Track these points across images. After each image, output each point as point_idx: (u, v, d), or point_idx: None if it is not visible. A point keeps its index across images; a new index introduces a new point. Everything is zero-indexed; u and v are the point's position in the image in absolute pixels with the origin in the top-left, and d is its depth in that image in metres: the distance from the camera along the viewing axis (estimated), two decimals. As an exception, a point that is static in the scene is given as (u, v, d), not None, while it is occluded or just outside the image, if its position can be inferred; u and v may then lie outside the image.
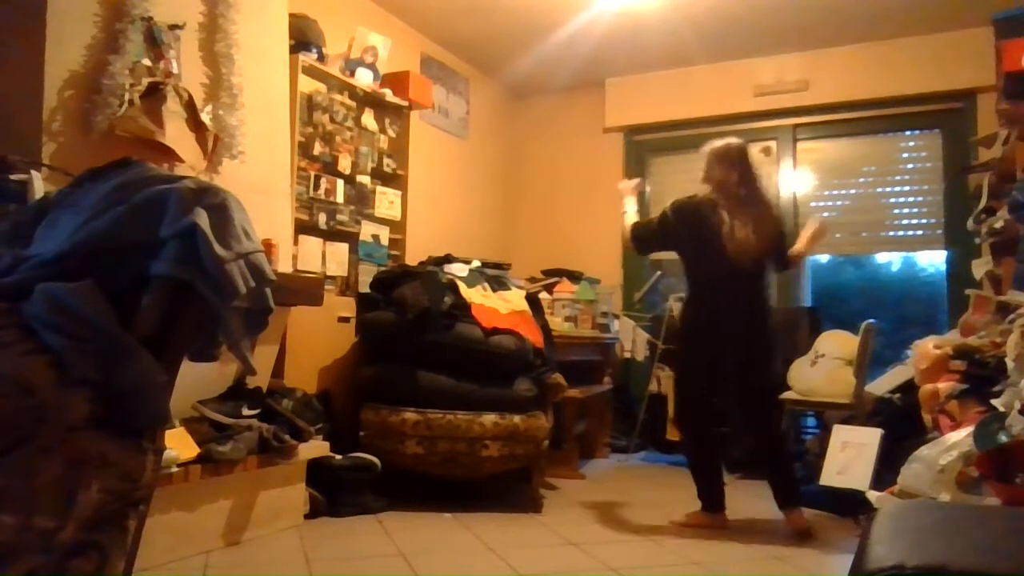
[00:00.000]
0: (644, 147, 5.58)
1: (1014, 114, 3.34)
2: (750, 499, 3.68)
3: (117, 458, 1.28)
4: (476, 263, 4.02)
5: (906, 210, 4.84)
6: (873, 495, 2.99)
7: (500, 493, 3.57)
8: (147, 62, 2.58)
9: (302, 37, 3.55)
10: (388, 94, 4.09)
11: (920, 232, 4.76)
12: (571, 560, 2.62)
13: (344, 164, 3.85)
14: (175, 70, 2.67)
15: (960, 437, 2.55)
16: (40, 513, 1.15)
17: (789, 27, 4.54)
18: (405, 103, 4.21)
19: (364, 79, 3.95)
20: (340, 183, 3.82)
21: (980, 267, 3.71)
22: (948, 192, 4.57)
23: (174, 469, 2.36)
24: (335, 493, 3.10)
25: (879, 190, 4.89)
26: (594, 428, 4.65)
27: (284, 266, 3.10)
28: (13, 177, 2.06)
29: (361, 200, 3.98)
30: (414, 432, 3.28)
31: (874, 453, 3.38)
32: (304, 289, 3.05)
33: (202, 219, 1.38)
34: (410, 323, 3.36)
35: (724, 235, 3.05)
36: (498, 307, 3.57)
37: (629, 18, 4.44)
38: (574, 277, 4.79)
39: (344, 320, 3.72)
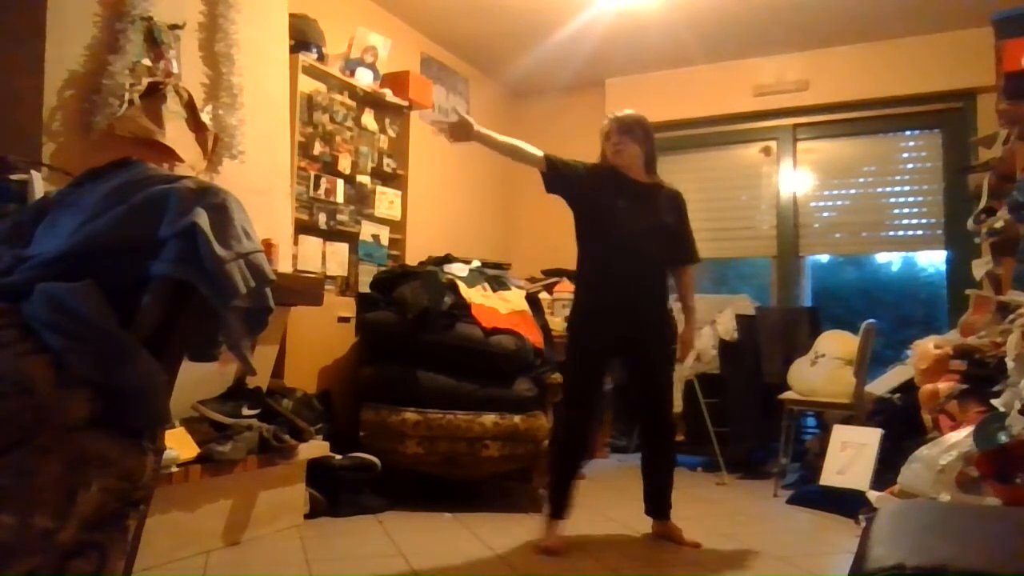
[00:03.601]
0: (644, 147, 5.57)
1: (1014, 114, 3.33)
2: (750, 499, 3.68)
3: (117, 458, 1.28)
4: (476, 263, 4.02)
5: (906, 210, 4.83)
6: (873, 495, 3.00)
7: (500, 493, 3.57)
8: (147, 62, 2.58)
9: (302, 37, 3.55)
10: (388, 94, 4.08)
11: (920, 232, 4.75)
12: (571, 560, 2.62)
13: (344, 164, 3.85)
14: (175, 70, 2.67)
15: (960, 437, 2.55)
16: (40, 513, 1.15)
17: (789, 27, 4.54)
18: (405, 103, 4.21)
19: (364, 79, 3.95)
20: (340, 183, 3.82)
21: (980, 267, 3.70)
22: (948, 192, 4.57)
23: (174, 469, 2.36)
24: (335, 493, 3.10)
25: (879, 190, 4.88)
26: (594, 428, 4.65)
27: (284, 266, 3.10)
28: (13, 177, 2.06)
29: (361, 200, 3.98)
30: (414, 432, 3.28)
31: (874, 453, 3.39)
32: (304, 289, 3.05)
33: (202, 219, 1.38)
34: (410, 323, 3.36)
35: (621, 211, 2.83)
36: (498, 307, 3.57)
37: (629, 18, 4.44)
38: (574, 277, 4.78)
39: (344, 320, 3.72)
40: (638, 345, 2.85)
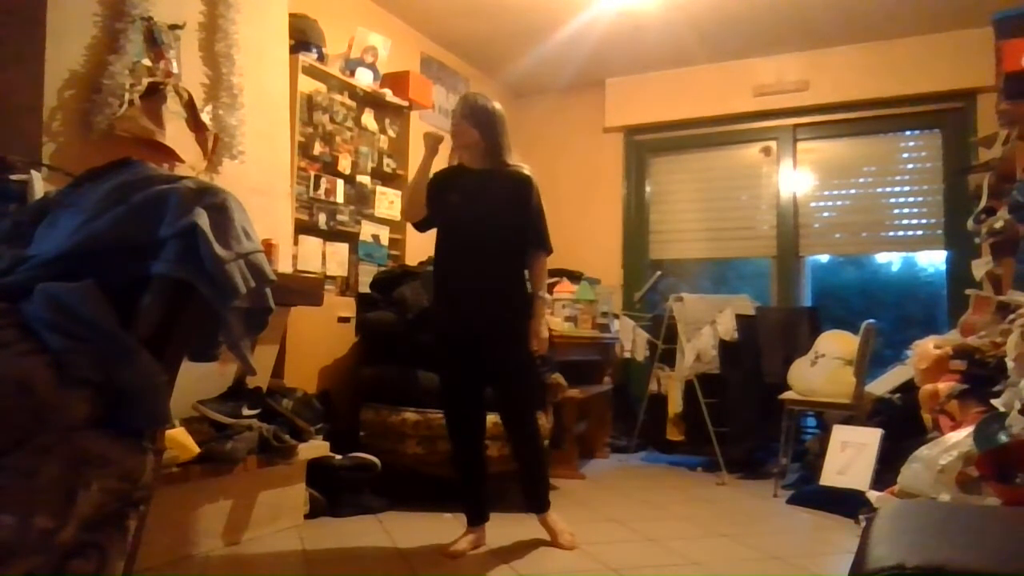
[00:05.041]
0: (644, 147, 5.58)
1: (1014, 114, 3.34)
2: (750, 499, 3.68)
3: (117, 458, 1.28)
4: (476, 263, 4.01)
5: (906, 210, 4.84)
6: (873, 495, 3.00)
7: (500, 493, 3.56)
8: (147, 62, 2.58)
9: (302, 37, 3.55)
10: (388, 94, 4.09)
11: (920, 232, 4.75)
12: (571, 560, 2.62)
13: (344, 164, 3.85)
14: (175, 70, 2.67)
15: (960, 437, 2.55)
16: (40, 513, 1.15)
17: (789, 27, 4.54)
18: (405, 103, 4.21)
19: (364, 79, 3.95)
20: (340, 183, 3.82)
21: (980, 267, 3.71)
22: (948, 192, 4.57)
23: (174, 469, 2.36)
24: (335, 493, 3.10)
25: (879, 190, 4.89)
26: (594, 428, 4.65)
27: (284, 266, 3.10)
28: (13, 177, 2.06)
29: (361, 200, 3.98)
30: (414, 432, 3.28)
31: (874, 453, 3.39)
32: (304, 289, 3.05)
33: (202, 219, 1.38)
34: (410, 323, 3.35)
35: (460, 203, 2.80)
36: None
37: (629, 18, 4.44)
38: (574, 277, 4.79)
39: (344, 320, 3.72)
40: (484, 338, 2.73)
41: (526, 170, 2.86)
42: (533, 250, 2.83)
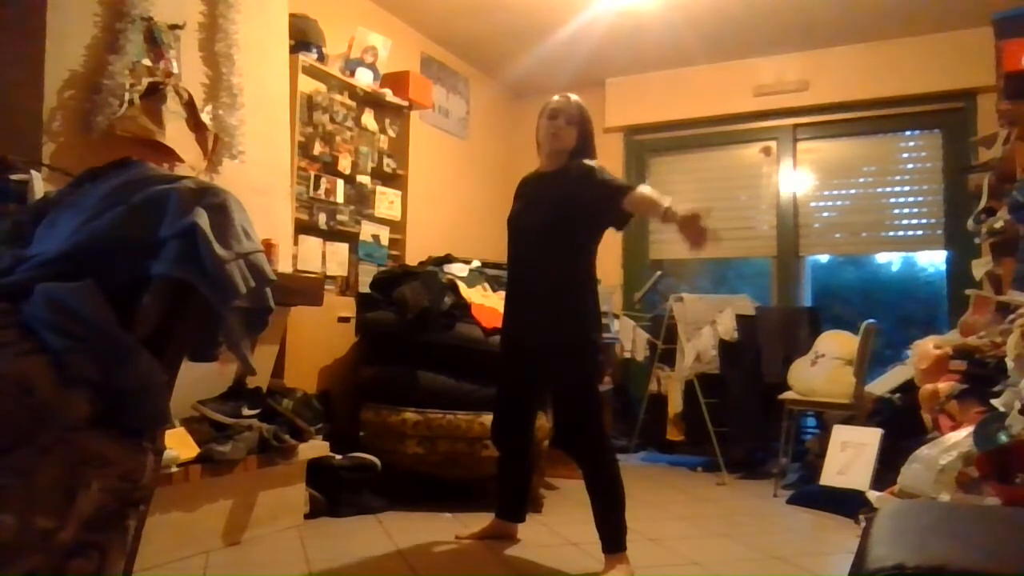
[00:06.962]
0: (644, 147, 5.58)
1: (1014, 114, 3.34)
2: (750, 499, 3.68)
3: (117, 458, 1.28)
4: (476, 263, 4.02)
5: (906, 210, 4.83)
6: (873, 495, 3.01)
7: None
8: (147, 62, 2.58)
9: (302, 37, 3.55)
10: (388, 94, 4.09)
11: (920, 232, 4.75)
12: (571, 560, 2.62)
13: (344, 164, 3.85)
14: (175, 70, 2.67)
15: (960, 437, 2.56)
16: (40, 513, 1.15)
17: (789, 27, 4.54)
18: (405, 103, 4.21)
19: (364, 79, 3.95)
20: (340, 183, 3.82)
21: (980, 267, 3.71)
22: (948, 192, 4.57)
23: (174, 469, 2.36)
24: (335, 493, 3.10)
25: (879, 190, 4.88)
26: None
27: (284, 266, 3.10)
28: (13, 177, 2.06)
29: (361, 200, 3.98)
30: (414, 432, 3.28)
31: (874, 453, 3.39)
32: (304, 289, 3.05)
33: (202, 219, 1.38)
34: (410, 323, 3.36)
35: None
36: (498, 307, 3.55)
37: (629, 18, 4.44)
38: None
39: (344, 320, 3.72)
40: (538, 349, 2.64)
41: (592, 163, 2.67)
42: (619, 201, 2.49)
